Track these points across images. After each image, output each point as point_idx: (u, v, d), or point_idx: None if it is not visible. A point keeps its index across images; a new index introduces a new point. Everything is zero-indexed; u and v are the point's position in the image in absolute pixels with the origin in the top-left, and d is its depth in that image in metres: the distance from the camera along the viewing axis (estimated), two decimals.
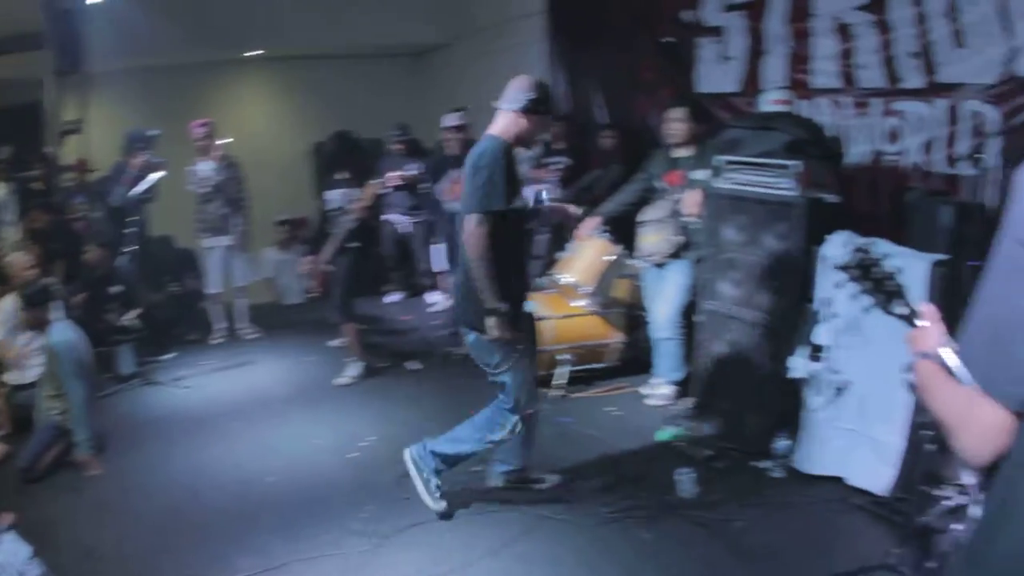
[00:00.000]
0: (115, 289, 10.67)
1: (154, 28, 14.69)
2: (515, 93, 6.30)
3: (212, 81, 18.32)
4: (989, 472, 2.14)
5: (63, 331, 8.15)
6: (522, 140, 6.38)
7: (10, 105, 17.70)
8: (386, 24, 17.62)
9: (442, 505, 6.59)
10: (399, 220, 13.38)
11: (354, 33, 17.51)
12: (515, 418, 6.45)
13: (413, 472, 6.61)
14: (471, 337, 6.51)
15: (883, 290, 3.12)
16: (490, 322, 6.11)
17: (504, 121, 6.36)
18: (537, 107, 6.24)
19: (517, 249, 6.46)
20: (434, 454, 6.59)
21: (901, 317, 3.01)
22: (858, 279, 3.16)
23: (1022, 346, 2.00)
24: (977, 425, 2.05)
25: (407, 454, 6.69)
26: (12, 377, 9.02)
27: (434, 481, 6.58)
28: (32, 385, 8.70)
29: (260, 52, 18.31)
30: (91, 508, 7.20)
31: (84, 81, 15.38)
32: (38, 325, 8.35)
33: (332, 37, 17.48)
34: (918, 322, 2.86)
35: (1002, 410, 1.99)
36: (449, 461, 6.64)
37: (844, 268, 3.14)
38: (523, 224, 6.49)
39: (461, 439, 6.64)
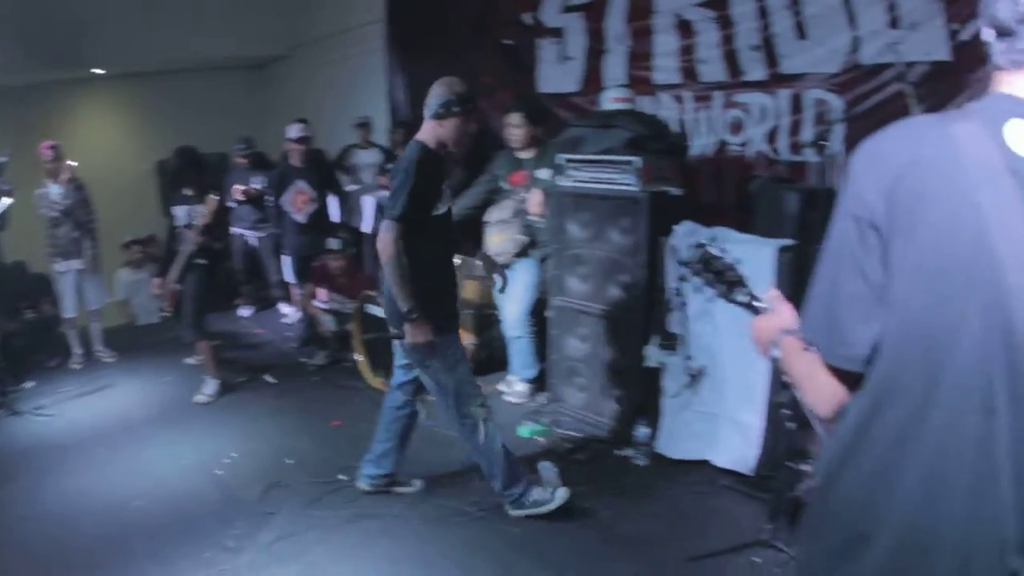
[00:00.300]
0: None
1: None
2: (432, 99, 6.33)
3: (55, 101, 18.06)
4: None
5: None
6: (445, 144, 6.33)
7: None
8: (226, 37, 17.55)
9: (561, 492, 6.51)
10: (247, 233, 13.33)
11: (195, 48, 17.37)
12: (475, 410, 6.36)
13: (529, 511, 6.53)
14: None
15: (724, 280, 3.24)
16: (405, 326, 6.15)
17: (425, 128, 6.38)
18: (451, 110, 6.23)
19: (440, 254, 6.49)
20: (506, 493, 6.52)
21: (744, 305, 3.15)
22: (699, 273, 3.28)
23: (848, 317, 2.25)
24: (819, 389, 2.37)
25: (512, 514, 6.58)
26: None
27: (534, 495, 6.52)
28: None
29: (102, 71, 18.18)
30: None
31: None
32: None
33: (173, 53, 17.31)
34: (760, 306, 3.04)
35: (834, 379, 2.32)
36: (510, 481, 6.50)
37: (686, 264, 3.27)
38: (447, 229, 6.49)
39: (488, 470, 6.52)
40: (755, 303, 3.10)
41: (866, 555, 2.22)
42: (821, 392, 2.39)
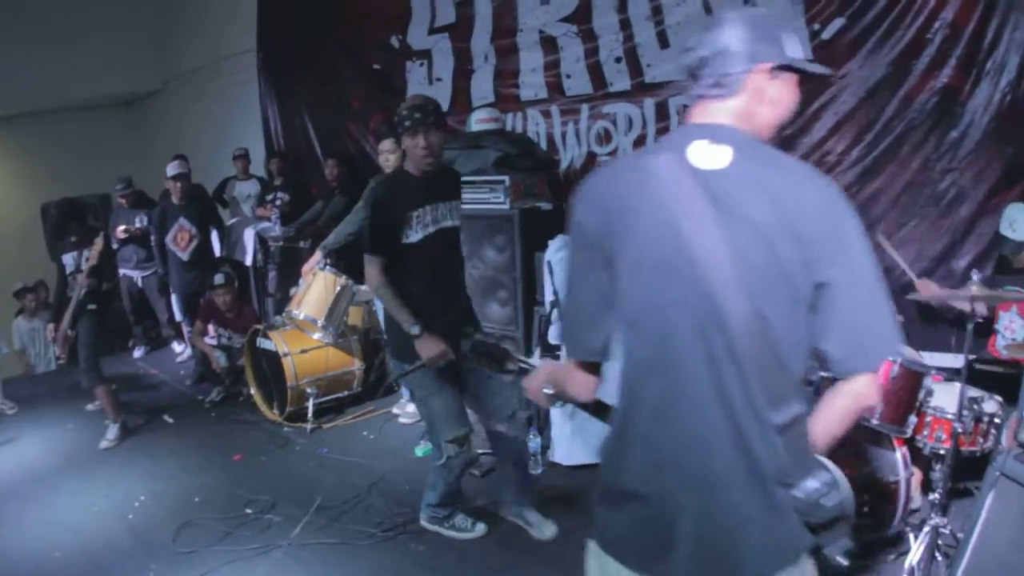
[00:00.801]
0: None
1: None
2: None
3: None
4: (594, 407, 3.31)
5: None
6: (410, 164, 6.09)
7: None
8: (99, 73, 17.56)
9: (481, 527, 6.73)
10: (132, 273, 13.23)
11: (68, 86, 17.31)
12: (445, 445, 6.26)
13: (442, 530, 6.75)
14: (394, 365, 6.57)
15: (495, 360, 3.67)
16: (417, 347, 5.95)
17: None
18: (398, 129, 5.97)
19: (430, 276, 6.14)
20: (432, 506, 6.71)
21: (516, 372, 3.61)
22: (482, 364, 3.61)
23: (585, 325, 2.95)
24: (576, 382, 3.11)
25: (423, 523, 6.82)
26: None
27: (457, 520, 6.73)
28: None
29: None
30: None
31: None
32: None
33: (43, 94, 17.22)
34: (529, 367, 3.57)
35: (585, 371, 3.06)
36: (444, 502, 6.68)
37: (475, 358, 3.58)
38: (429, 251, 6.08)
39: (433, 483, 6.63)
40: (524, 367, 3.58)
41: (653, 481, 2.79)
42: (579, 383, 3.11)
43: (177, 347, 13.67)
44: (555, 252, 7.18)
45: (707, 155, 2.70)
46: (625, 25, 8.77)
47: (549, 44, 9.54)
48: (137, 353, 14.13)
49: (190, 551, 6.99)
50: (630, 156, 2.95)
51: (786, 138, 7.52)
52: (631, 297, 2.76)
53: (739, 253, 2.60)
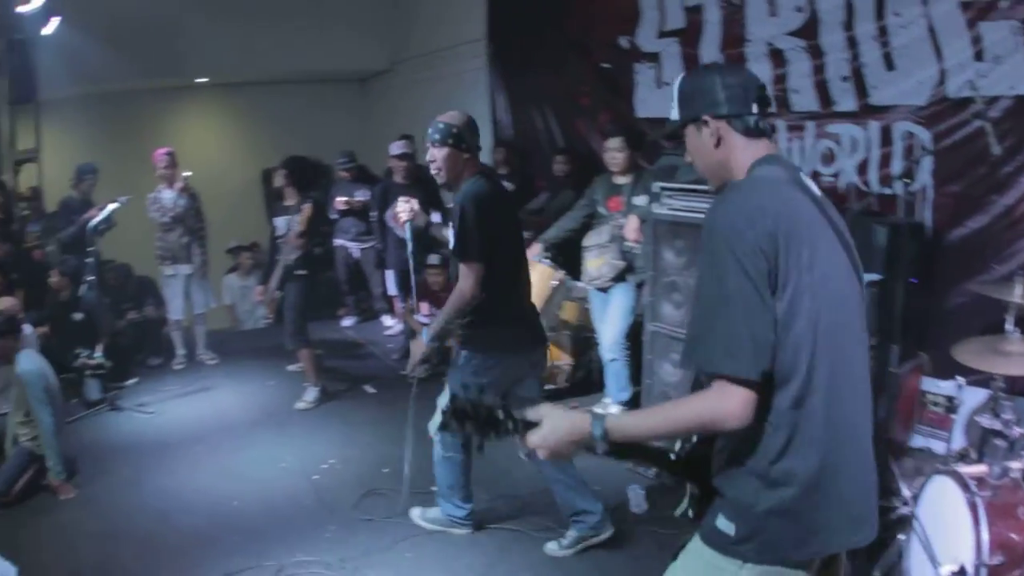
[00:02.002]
0: (78, 316, 10.90)
1: (104, 57, 14.83)
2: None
3: (163, 108, 18.45)
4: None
5: (29, 360, 8.28)
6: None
7: None
8: (329, 51, 17.77)
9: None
10: (349, 245, 13.47)
11: (298, 60, 17.65)
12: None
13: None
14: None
15: (488, 425, 3.16)
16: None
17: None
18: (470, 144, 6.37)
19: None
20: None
21: (515, 431, 3.14)
22: (474, 430, 3.18)
23: (765, 342, 2.82)
24: (717, 408, 2.84)
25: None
26: None
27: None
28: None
29: (205, 80, 18.58)
30: (70, 530, 7.36)
31: (38, 110, 15.59)
32: (4, 355, 8.39)
33: (276, 65, 17.64)
34: (533, 420, 3.11)
35: (746, 389, 2.80)
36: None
37: (451, 421, 3.15)
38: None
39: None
40: (527, 421, 3.12)
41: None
42: (724, 407, 2.81)
43: (387, 320, 13.83)
44: None
45: (809, 184, 3.07)
46: (852, 43, 8.49)
47: (777, 57, 9.32)
48: (346, 322, 14.39)
49: (369, 518, 7.15)
50: (768, 182, 3.01)
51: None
52: (810, 318, 2.84)
53: (855, 272, 3.08)
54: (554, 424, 3.06)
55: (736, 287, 2.78)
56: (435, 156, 6.27)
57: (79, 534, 7.25)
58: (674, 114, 3.25)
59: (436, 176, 6.38)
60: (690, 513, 3.26)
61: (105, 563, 6.77)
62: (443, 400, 6.56)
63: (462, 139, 6.25)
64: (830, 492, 2.91)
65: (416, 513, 7.06)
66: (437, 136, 6.23)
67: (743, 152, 3.11)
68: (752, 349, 2.76)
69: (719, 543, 3.00)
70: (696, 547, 3.13)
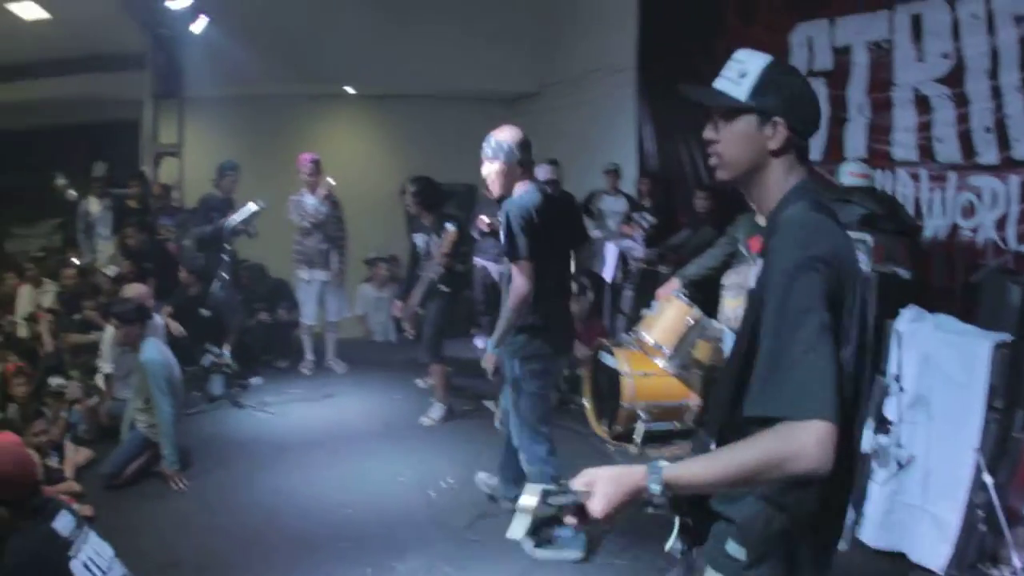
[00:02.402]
0: (205, 313, 11.13)
1: (252, 59, 15.15)
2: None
3: (307, 114, 18.73)
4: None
5: (153, 349, 8.51)
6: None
7: (108, 121, 18.30)
8: (478, 70, 18.04)
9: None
10: (489, 265, 13.42)
11: (446, 77, 17.92)
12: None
13: None
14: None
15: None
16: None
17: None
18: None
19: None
20: None
21: (566, 506, 2.81)
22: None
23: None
24: (830, 448, 2.44)
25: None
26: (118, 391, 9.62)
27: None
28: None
29: (354, 90, 18.87)
30: (174, 519, 7.54)
31: (182, 105, 16.01)
32: (130, 341, 8.64)
33: (424, 80, 17.90)
34: (581, 493, 2.80)
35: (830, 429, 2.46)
36: None
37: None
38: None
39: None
40: (576, 496, 2.80)
41: None
42: (830, 449, 2.45)
43: None
44: (907, 323, 6.89)
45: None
46: (996, 93, 8.36)
47: (923, 104, 9.20)
48: (479, 343, 14.19)
49: (479, 540, 7.13)
50: (825, 218, 2.87)
51: None
52: (847, 357, 2.71)
53: None
54: (606, 489, 2.78)
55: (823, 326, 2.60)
56: (488, 170, 6.82)
57: (184, 524, 7.42)
58: (740, 92, 2.93)
59: (490, 188, 7.02)
60: (679, 546, 3.09)
61: (205, 555, 6.91)
62: (504, 400, 7.40)
63: (512, 154, 6.72)
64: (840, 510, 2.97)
65: (527, 544, 6.98)
66: (490, 151, 6.76)
67: (790, 173, 2.97)
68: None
69: (731, 569, 2.90)
70: None
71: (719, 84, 2.99)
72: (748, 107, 2.92)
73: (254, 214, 11.26)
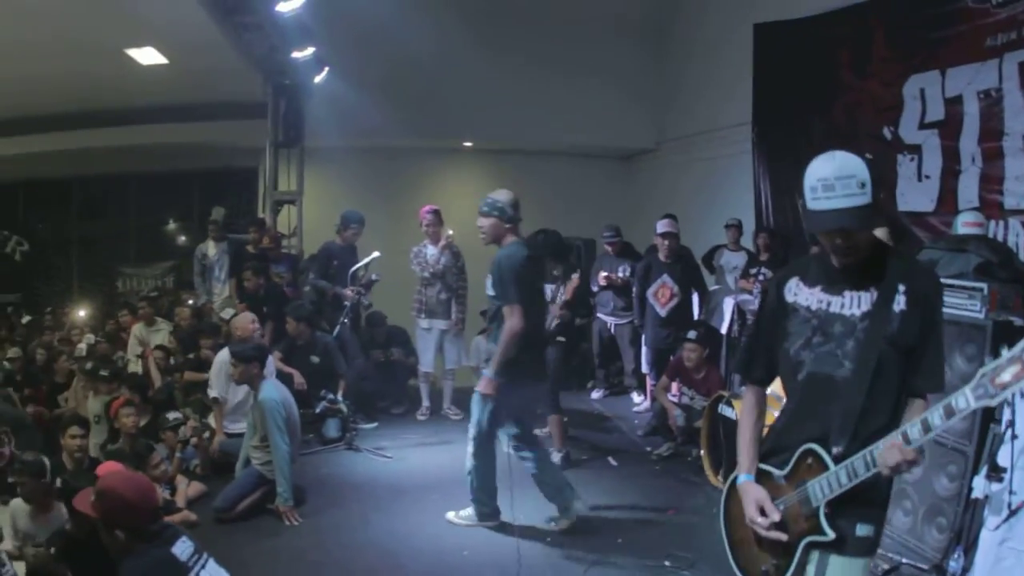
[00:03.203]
0: (315, 360, 11.43)
1: (372, 111, 15.54)
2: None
3: (426, 166, 19.22)
4: None
5: (272, 388, 8.77)
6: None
7: (229, 168, 19.25)
8: (599, 126, 18.30)
9: None
10: (607, 319, 13.58)
11: (567, 132, 18.18)
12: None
13: None
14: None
15: None
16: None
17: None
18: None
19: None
20: None
21: None
22: None
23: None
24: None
25: None
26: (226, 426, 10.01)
27: None
28: (238, 435, 9.53)
29: (470, 144, 19.23)
30: (286, 554, 7.71)
31: (301, 154, 16.30)
32: (247, 380, 8.87)
33: (546, 134, 18.20)
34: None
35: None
36: None
37: None
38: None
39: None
40: None
41: None
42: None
43: (636, 397, 13.85)
44: None
45: None
46: None
47: None
48: (595, 394, 14.43)
49: None
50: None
51: None
52: None
53: None
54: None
55: None
56: (482, 223, 8.17)
57: (296, 559, 7.57)
58: (867, 198, 3.62)
59: (481, 238, 8.33)
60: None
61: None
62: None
63: (504, 212, 8.06)
64: None
65: None
66: (485, 208, 8.10)
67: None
68: None
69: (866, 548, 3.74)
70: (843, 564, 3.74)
71: (849, 202, 3.63)
72: (873, 201, 3.63)
73: (374, 259, 11.51)
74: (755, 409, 4.45)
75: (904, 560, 7.29)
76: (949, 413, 3.36)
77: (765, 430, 4.41)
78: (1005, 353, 3.13)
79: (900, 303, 3.71)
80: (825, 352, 3.87)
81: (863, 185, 3.59)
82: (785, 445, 4.11)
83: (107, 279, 22.31)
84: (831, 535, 3.75)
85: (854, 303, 3.82)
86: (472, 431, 8.45)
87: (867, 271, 3.80)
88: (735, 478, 4.31)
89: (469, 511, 8.56)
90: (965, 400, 3.26)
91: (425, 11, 16.16)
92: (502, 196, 8.13)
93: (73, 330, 15.45)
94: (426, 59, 16.62)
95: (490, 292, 8.21)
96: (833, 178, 3.65)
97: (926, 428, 3.45)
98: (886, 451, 3.51)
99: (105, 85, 14.84)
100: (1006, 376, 3.11)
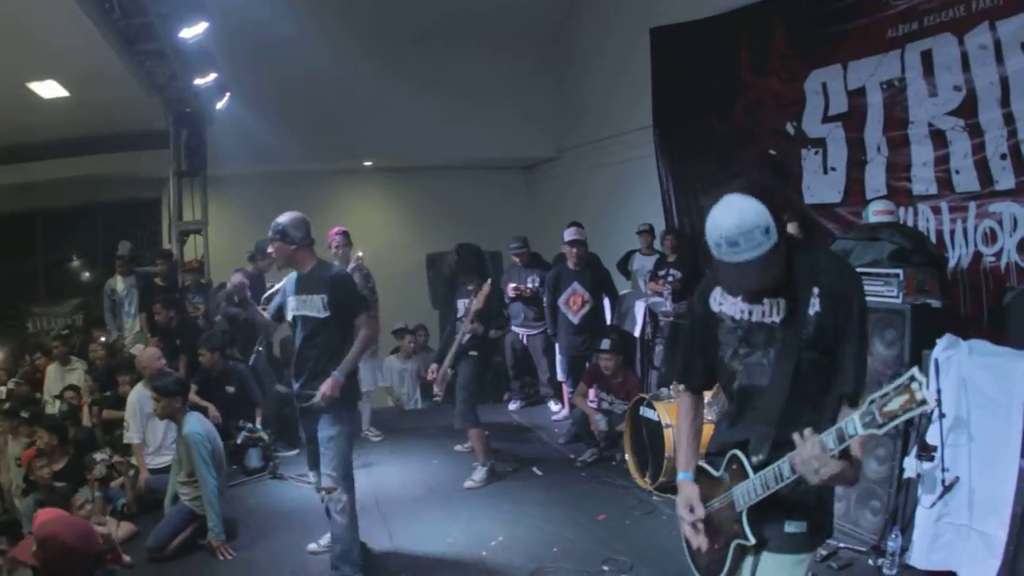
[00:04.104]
0: (230, 389, 11.35)
1: (273, 137, 15.58)
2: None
3: (329, 188, 19.25)
4: None
5: (195, 422, 8.62)
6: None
7: (134, 200, 19.05)
8: (498, 137, 18.37)
9: None
10: (519, 330, 13.55)
11: (467, 146, 18.25)
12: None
13: None
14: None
15: None
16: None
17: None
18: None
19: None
20: None
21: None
22: None
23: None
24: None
25: None
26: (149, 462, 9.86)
27: None
28: (163, 470, 9.45)
29: (371, 163, 19.30)
30: None
31: (205, 182, 16.25)
32: (169, 414, 8.72)
33: (445, 150, 18.27)
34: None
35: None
36: None
37: None
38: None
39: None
40: None
41: None
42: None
43: (554, 406, 13.85)
44: (943, 351, 6.97)
45: None
46: (1009, 120, 8.49)
47: (938, 138, 9.33)
48: (512, 406, 14.41)
49: None
50: None
51: None
52: None
53: None
54: None
55: None
56: (270, 249, 7.95)
57: None
58: (772, 241, 3.62)
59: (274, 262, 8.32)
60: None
61: None
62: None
63: (286, 234, 7.66)
64: None
65: None
66: (270, 233, 7.71)
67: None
68: None
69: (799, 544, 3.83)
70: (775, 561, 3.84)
71: (757, 252, 3.60)
72: (773, 249, 3.62)
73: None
74: (691, 411, 4.45)
75: (841, 545, 7.40)
76: (840, 437, 3.37)
77: (711, 427, 4.45)
78: (891, 383, 3.16)
79: (815, 305, 3.74)
80: (753, 362, 3.92)
81: (767, 231, 3.60)
82: (721, 448, 4.13)
83: (17, 320, 21.97)
84: (752, 540, 3.84)
85: (773, 310, 3.86)
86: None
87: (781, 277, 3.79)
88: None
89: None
90: (854, 426, 3.28)
91: (323, 33, 16.20)
92: (283, 218, 7.75)
93: None
94: (325, 80, 16.71)
95: (320, 313, 7.64)
96: (737, 234, 3.62)
97: (823, 448, 3.44)
98: (801, 449, 3.50)
99: (6, 120, 14.66)
100: (893, 405, 3.14)
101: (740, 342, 3.96)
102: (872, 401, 3.21)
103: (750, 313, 3.92)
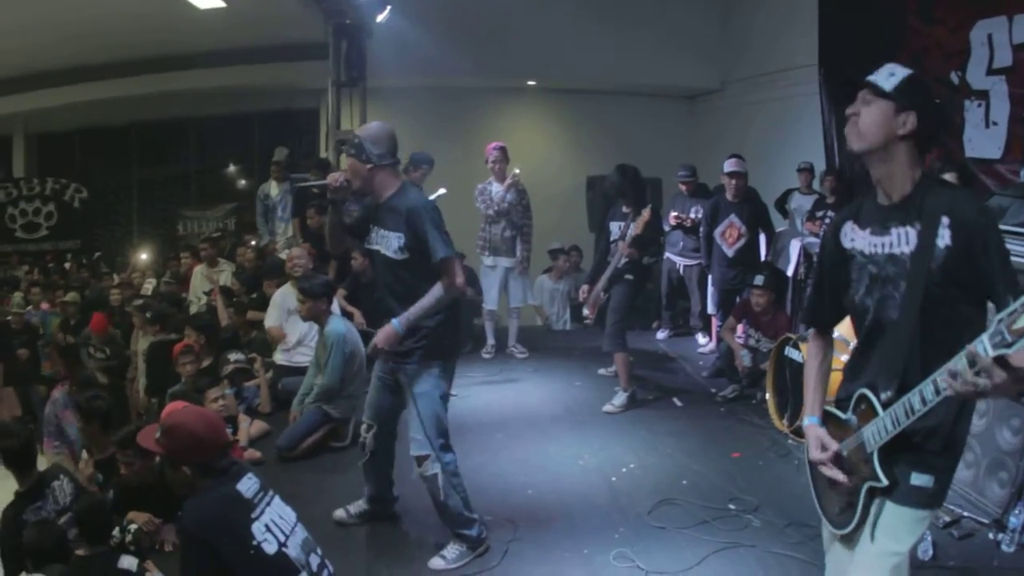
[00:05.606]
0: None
1: (436, 50, 15.55)
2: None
3: (489, 105, 19.21)
4: None
5: (338, 324, 8.79)
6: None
7: (290, 109, 19.40)
8: (664, 66, 18.19)
9: None
10: (676, 259, 13.47)
11: (632, 72, 18.09)
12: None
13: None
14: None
15: None
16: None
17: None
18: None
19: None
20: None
21: None
22: None
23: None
24: None
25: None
26: (280, 358, 10.13)
27: None
28: (298, 370, 9.66)
29: (534, 83, 19.15)
30: (348, 489, 7.61)
31: (364, 94, 16.17)
32: (314, 316, 8.89)
33: (610, 74, 18.12)
34: None
35: None
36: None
37: None
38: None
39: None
40: None
41: None
42: None
43: (701, 339, 13.73)
44: None
45: None
46: None
47: None
48: (660, 335, 14.32)
49: (661, 526, 7.05)
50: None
51: None
52: None
53: None
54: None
55: None
56: (348, 162, 6.60)
57: (358, 495, 7.39)
58: (887, 84, 3.78)
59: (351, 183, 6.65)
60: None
61: (378, 524, 7.18)
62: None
63: (362, 151, 6.43)
64: None
65: None
66: (344, 147, 6.99)
67: (915, 162, 3.82)
68: None
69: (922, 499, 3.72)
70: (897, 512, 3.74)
71: (871, 77, 3.87)
72: (890, 95, 3.77)
73: (440, 196, 11.39)
74: (820, 353, 4.49)
75: (965, 513, 7.12)
76: (971, 360, 3.13)
77: (839, 374, 4.32)
78: (1018, 300, 2.99)
79: (944, 237, 3.58)
80: (885, 296, 3.83)
81: (891, 75, 3.83)
82: (850, 390, 4.09)
83: (168, 223, 22.56)
84: (885, 481, 3.72)
85: (902, 240, 3.74)
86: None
87: (910, 204, 3.76)
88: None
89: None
90: (983, 347, 3.08)
91: None
92: (363, 131, 6.66)
93: (135, 273, 15.54)
94: None
95: (396, 255, 6.52)
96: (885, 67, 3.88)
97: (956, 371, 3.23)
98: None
99: (162, 30, 14.86)
100: (1023, 322, 2.97)
101: (872, 278, 3.89)
102: (1000, 320, 3.05)
103: (880, 246, 3.84)
